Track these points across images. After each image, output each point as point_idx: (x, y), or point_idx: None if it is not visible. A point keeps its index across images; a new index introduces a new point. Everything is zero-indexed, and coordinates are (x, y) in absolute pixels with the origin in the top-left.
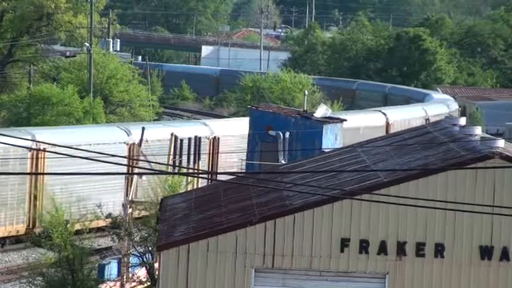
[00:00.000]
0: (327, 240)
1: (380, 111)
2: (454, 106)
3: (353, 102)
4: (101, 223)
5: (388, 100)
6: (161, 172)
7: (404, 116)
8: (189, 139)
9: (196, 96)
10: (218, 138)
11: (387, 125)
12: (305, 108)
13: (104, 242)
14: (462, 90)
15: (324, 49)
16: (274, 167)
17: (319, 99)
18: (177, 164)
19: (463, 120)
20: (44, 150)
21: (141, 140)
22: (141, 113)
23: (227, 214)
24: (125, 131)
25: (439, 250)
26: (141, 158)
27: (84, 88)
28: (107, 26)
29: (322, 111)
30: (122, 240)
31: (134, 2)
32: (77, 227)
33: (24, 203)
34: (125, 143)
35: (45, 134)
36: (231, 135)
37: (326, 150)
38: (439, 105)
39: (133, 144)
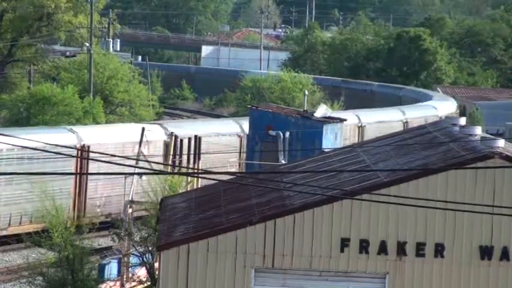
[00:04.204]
0: (327, 240)
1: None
2: (409, 114)
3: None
4: None
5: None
6: (161, 172)
7: None
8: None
9: (196, 96)
10: (88, 147)
11: None
12: (305, 108)
13: (104, 242)
14: (462, 90)
15: (324, 49)
16: (274, 167)
17: (319, 99)
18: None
19: (463, 120)
20: None
21: (140, 141)
22: (141, 113)
23: (227, 214)
24: None
25: (439, 250)
26: (141, 158)
27: (84, 88)
28: (107, 26)
29: (322, 111)
30: (122, 240)
31: (134, 2)
32: None
33: None
34: None
35: None
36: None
37: (326, 150)
38: (383, 112)
39: None
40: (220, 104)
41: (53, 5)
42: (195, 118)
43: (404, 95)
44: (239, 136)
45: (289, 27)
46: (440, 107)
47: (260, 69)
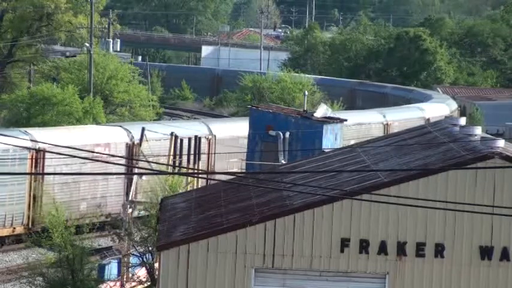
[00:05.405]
0: (327, 240)
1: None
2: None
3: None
4: None
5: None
6: (161, 172)
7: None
8: (189, 139)
9: (196, 96)
10: (44, 150)
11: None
12: (305, 108)
13: (104, 242)
14: (462, 90)
15: (324, 49)
16: (274, 167)
17: (319, 99)
18: (176, 164)
19: (463, 120)
20: None
21: (141, 140)
22: (142, 113)
23: (227, 214)
24: None
25: (439, 250)
26: (141, 158)
27: (85, 88)
28: (107, 26)
29: (322, 111)
30: (122, 240)
31: (134, 2)
32: None
33: None
34: None
35: None
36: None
37: (326, 150)
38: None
39: None
40: (220, 104)
41: (53, 5)
42: (195, 118)
43: (412, 97)
44: (207, 138)
45: (289, 27)
46: (428, 108)
47: (260, 70)
